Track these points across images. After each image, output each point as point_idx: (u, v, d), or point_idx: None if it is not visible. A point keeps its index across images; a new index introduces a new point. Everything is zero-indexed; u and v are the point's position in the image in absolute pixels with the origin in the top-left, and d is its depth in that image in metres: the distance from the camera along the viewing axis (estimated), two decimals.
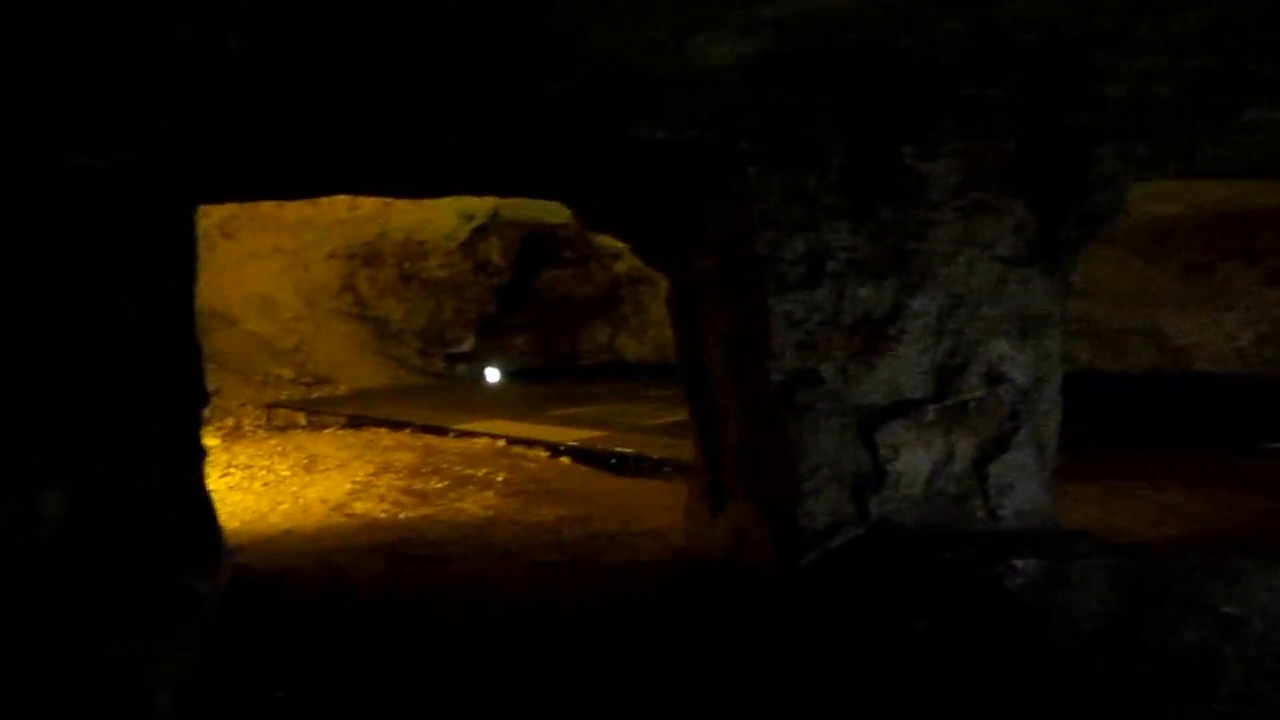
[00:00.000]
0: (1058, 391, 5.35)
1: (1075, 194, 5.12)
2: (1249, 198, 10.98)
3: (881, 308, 4.99)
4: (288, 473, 9.53)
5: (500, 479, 8.89)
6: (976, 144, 4.97)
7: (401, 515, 7.60)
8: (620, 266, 17.67)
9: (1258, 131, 4.87)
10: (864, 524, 4.96)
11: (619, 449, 9.80)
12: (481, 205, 14.53)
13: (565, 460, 9.88)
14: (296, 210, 13.48)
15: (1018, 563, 4.30)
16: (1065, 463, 5.32)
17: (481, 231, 16.66)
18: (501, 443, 10.67)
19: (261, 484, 9.08)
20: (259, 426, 12.68)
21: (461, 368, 17.68)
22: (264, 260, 15.30)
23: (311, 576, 5.68)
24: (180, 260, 5.15)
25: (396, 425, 11.70)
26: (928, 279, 4.99)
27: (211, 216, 12.75)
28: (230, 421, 12.77)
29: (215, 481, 8.22)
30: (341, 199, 12.72)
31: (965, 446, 5.05)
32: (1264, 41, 4.17)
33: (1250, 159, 5.24)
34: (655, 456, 9.32)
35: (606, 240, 12.20)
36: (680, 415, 6.71)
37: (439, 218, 15.29)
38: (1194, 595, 3.92)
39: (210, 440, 8.27)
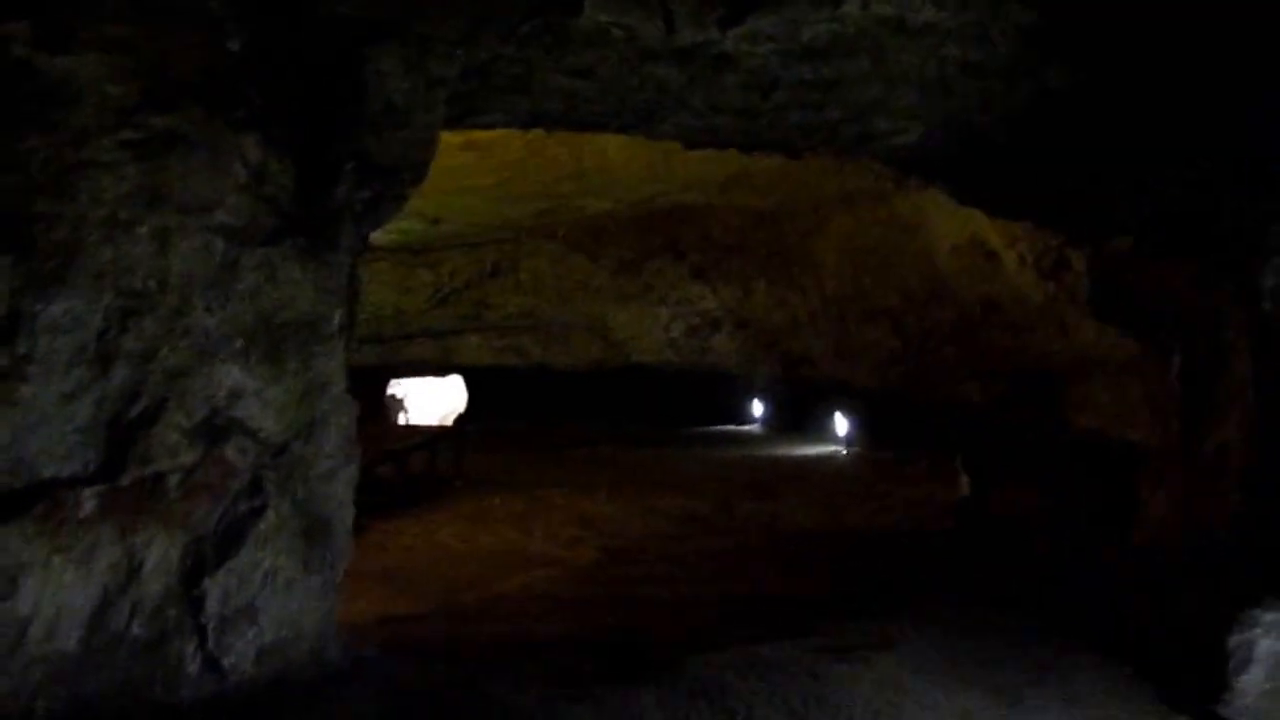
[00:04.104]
0: (350, 440, 3.46)
1: (350, 128, 3.28)
2: (670, 196, 10.65)
3: None
4: None
5: None
6: (163, 36, 2.90)
7: None
8: None
9: (603, 46, 3.37)
10: None
11: None
12: None
13: None
14: None
15: None
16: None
17: None
18: None
19: None
20: None
21: None
22: None
23: None
24: None
25: None
26: (78, 264, 2.82)
27: None
28: None
29: None
30: None
31: (163, 552, 2.94)
32: None
33: (600, 94, 3.74)
34: None
35: None
36: None
37: None
38: None
39: None
